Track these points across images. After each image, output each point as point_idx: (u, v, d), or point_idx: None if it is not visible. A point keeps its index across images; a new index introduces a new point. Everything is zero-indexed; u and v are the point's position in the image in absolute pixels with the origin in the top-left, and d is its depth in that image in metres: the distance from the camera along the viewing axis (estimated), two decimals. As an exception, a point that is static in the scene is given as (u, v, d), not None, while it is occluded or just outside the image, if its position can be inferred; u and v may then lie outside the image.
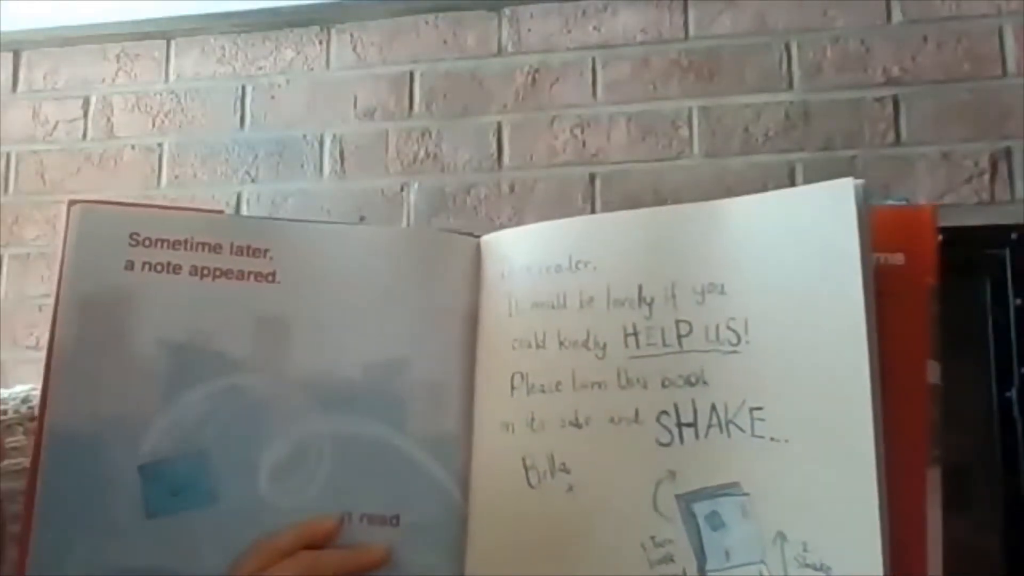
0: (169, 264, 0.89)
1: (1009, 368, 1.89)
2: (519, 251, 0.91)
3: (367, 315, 0.90)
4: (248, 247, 0.90)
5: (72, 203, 0.90)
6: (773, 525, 0.78)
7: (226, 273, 0.89)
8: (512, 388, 0.88)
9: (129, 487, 0.86)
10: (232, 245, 0.90)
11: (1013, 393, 1.87)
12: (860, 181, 0.79)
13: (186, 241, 0.90)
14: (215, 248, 0.90)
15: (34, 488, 0.85)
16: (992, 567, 1.88)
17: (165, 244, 0.89)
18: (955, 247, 1.89)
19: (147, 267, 0.89)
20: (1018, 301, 1.90)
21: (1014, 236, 1.92)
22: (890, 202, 0.86)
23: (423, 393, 0.89)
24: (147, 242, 0.89)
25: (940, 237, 1.85)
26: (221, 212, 0.94)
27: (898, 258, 0.82)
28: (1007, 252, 1.92)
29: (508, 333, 0.90)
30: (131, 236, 0.89)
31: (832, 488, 0.75)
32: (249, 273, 0.90)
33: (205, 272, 0.89)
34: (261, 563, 0.83)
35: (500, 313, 0.90)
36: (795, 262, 0.80)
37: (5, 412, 0.99)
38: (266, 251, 0.90)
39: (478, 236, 0.93)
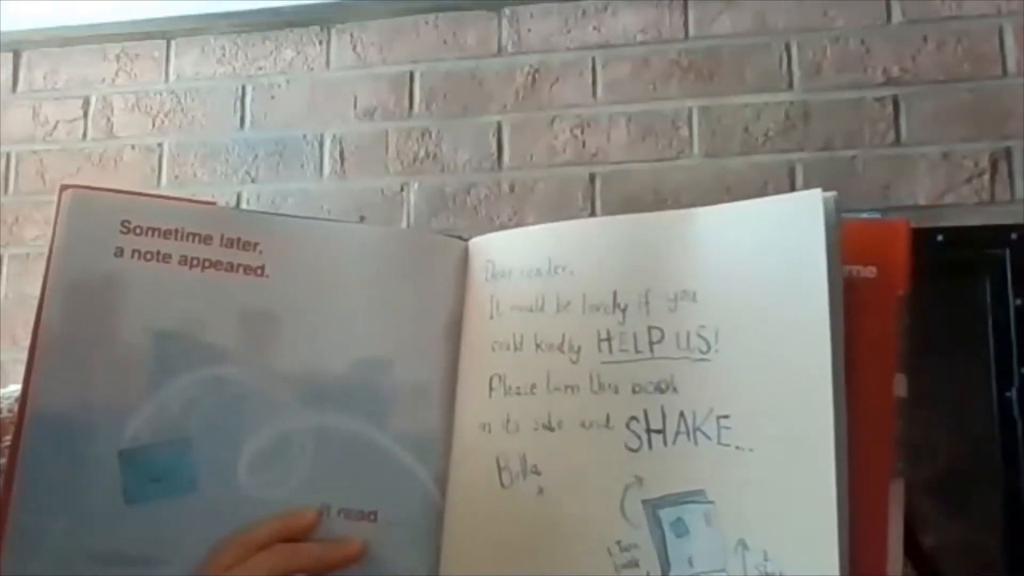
0: (159, 253, 0.90)
1: (1009, 368, 1.92)
2: (502, 254, 0.93)
3: (353, 313, 0.92)
4: (238, 240, 0.91)
5: (64, 187, 0.91)
6: (735, 533, 0.79)
7: (215, 264, 0.90)
8: (490, 389, 0.90)
9: (109, 472, 0.86)
10: (223, 237, 0.91)
11: (1013, 393, 1.90)
12: (830, 193, 0.79)
13: (177, 231, 0.90)
14: (205, 239, 0.91)
15: (13, 470, 0.85)
16: (992, 567, 1.90)
17: (156, 233, 0.90)
18: (955, 247, 1.93)
19: (136, 255, 0.89)
20: (1018, 301, 1.92)
21: (1014, 236, 1.95)
22: (864, 215, 0.86)
23: (405, 392, 0.91)
24: (138, 230, 0.90)
25: (940, 238, 1.87)
26: (213, 203, 0.95)
27: (870, 271, 0.81)
28: (1007, 252, 1.95)
29: (489, 335, 0.91)
30: (122, 223, 0.89)
31: (793, 498, 0.76)
32: (238, 265, 0.91)
33: (194, 262, 0.90)
34: (238, 554, 0.84)
35: (482, 315, 0.92)
36: (764, 272, 0.81)
37: (0, 411, 1.00)
38: (256, 245, 0.91)
39: (467, 239, 0.95)
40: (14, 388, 0.95)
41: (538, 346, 0.89)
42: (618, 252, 0.88)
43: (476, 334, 0.92)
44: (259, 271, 0.91)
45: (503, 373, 0.89)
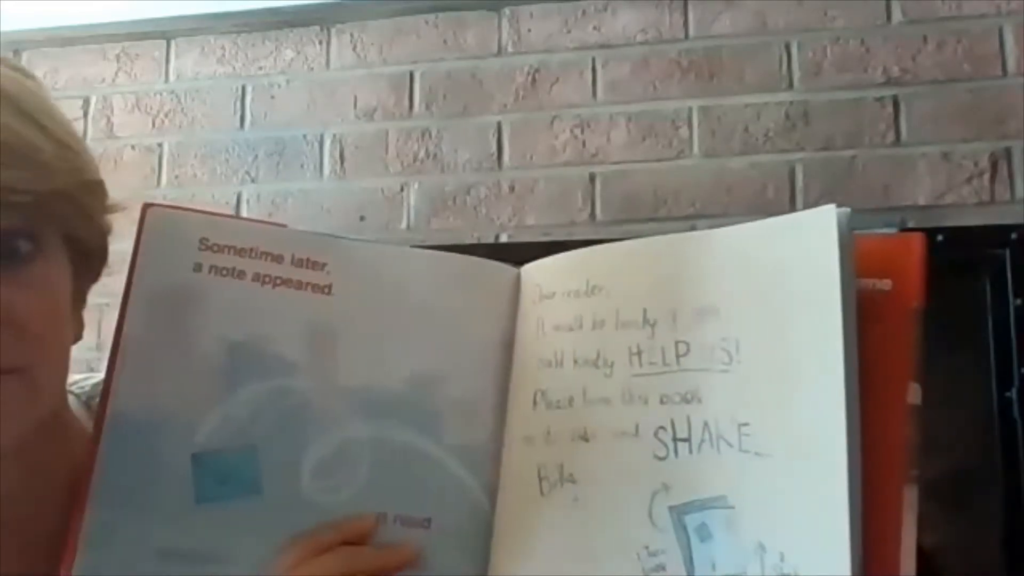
0: (234, 269, 0.96)
1: (1009, 368, 1.97)
2: (548, 278, 1.00)
3: (413, 332, 0.98)
4: (308, 260, 0.97)
5: (147, 206, 0.96)
6: (754, 536, 0.84)
7: (286, 282, 0.97)
8: (534, 404, 0.96)
9: (181, 473, 0.92)
10: (293, 257, 0.97)
11: (1013, 393, 1.96)
12: (844, 209, 0.84)
13: (251, 249, 0.96)
14: (277, 258, 0.97)
15: (91, 469, 0.91)
16: (992, 567, 1.95)
17: (232, 251, 0.96)
18: (955, 247, 1.97)
19: (213, 270, 0.95)
20: (1018, 301, 1.98)
21: (1014, 236, 2.01)
22: (881, 231, 0.90)
23: (458, 407, 0.97)
24: (215, 247, 0.96)
25: (940, 238, 1.91)
26: (284, 226, 1.02)
27: (885, 284, 0.86)
28: (1007, 252, 2.01)
29: (535, 353, 0.98)
30: (201, 241, 0.96)
31: (807, 502, 0.81)
32: (307, 284, 0.97)
33: (266, 279, 0.96)
34: (302, 555, 0.91)
35: (531, 335, 0.99)
36: (781, 287, 0.86)
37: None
38: (324, 265, 0.97)
39: (519, 265, 1.01)
40: (77, 378, 1.02)
41: (576, 362, 0.95)
42: (647, 272, 0.95)
43: (525, 353, 0.99)
44: (326, 289, 0.97)
45: (545, 388, 0.96)
